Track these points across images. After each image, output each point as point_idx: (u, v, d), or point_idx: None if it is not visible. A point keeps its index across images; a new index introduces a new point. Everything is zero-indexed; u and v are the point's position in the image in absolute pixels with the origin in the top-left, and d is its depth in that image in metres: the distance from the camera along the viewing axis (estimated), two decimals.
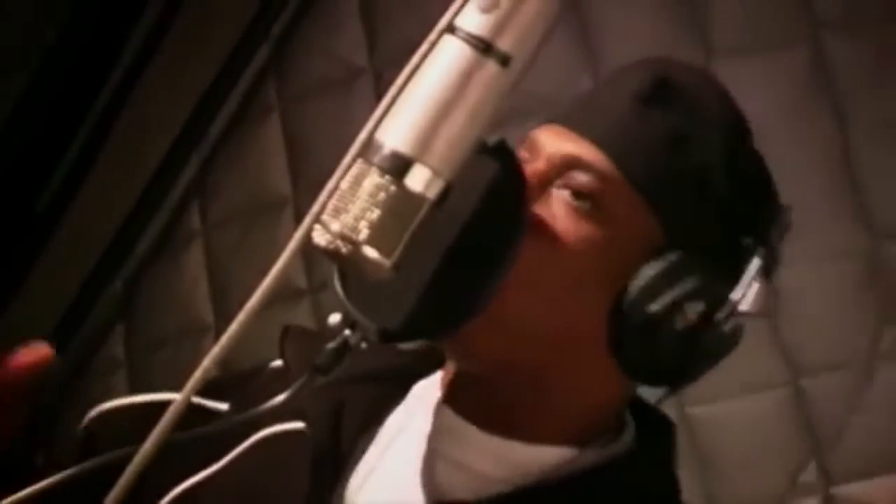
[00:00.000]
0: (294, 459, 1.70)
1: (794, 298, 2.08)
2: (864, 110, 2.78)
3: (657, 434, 1.71)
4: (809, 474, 2.74)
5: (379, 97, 3.04)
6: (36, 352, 1.54)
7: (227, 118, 3.03)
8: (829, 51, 2.80)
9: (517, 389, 1.63)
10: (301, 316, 2.89)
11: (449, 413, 1.66)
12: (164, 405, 1.47)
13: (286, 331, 1.76)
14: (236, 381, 1.81)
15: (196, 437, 1.62)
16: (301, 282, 2.91)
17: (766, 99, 2.63)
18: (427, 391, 1.72)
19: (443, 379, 1.70)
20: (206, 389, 1.68)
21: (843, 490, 2.71)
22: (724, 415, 2.71)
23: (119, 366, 3.02)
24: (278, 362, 1.75)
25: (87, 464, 1.61)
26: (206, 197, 3.04)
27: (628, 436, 1.68)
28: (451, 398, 1.67)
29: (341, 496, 1.67)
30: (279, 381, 1.64)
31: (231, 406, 1.78)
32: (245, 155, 3.02)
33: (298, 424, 1.71)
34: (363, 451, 1.70)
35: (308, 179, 3.00)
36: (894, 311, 2.72)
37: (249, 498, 1.72)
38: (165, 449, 1.45)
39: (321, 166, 2.94)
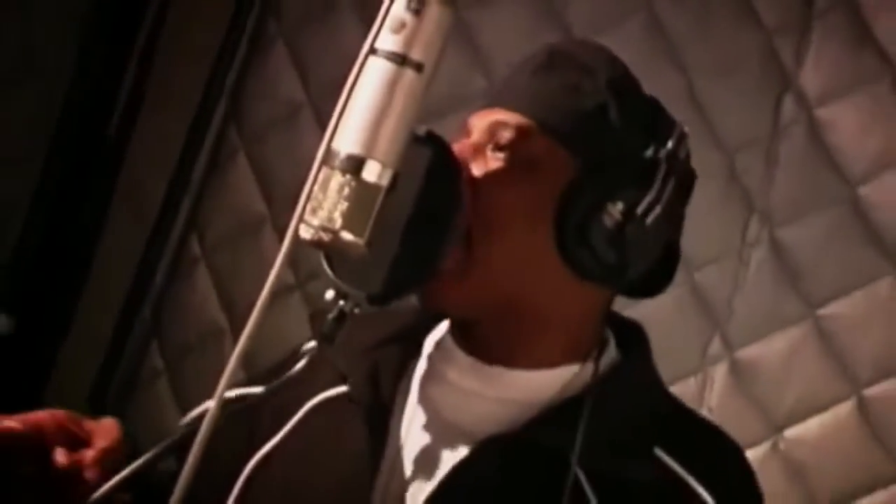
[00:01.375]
0: (345, 420, 1.68)
1: None
2: (697, 56, 2.81)
3: (635, 338, 1.71)
4: (715, 347, 2.76)
5: (319, 124, 3.06)
6: (109, 435, 1.63)
7: (204, 163, 3.01)
8: (661, 13, 2.83)
9: (504, 324, 1.63)
10: (294, 307, 2.89)
11: (466, 358, 1.66)
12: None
13: (314, 315, 1.74)
14: (274, 370, 1.75)
15: (250, 405, 1.66)
16: (289, 278, 2.91)
17: None
18: (440, 341, 1.72)
19: (449, 329, 1.70)
20: (249, 382, 1.71)
21: (744, 352, 2.73)
22: (640, 317, 2.71)
23: (160, 374, 3.01)
24: (312, 344, 1.67)
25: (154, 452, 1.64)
26: (200, 228, 3.03)
27: (612, 347, 1.68)
28: (462, 343, 1.67)
29: (394, 446, 1.66)
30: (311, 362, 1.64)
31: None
32: (224, 189, 3.02)
33: (342, 388, 1.70)
34: (403, 402, 1.68)
35: (278, 197, 3.00)
36: (752, 208, 2.75)
37: (313, 460, 1.70)
38: (227, 427, 1.54)
39: (286, 185, 2.95)
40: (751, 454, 2.61)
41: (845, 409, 2.65)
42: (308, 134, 2.96)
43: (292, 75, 2.99)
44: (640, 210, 1.57)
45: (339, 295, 1.56)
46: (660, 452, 1.61)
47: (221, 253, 2.99)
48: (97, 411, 2.91)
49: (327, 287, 1.57)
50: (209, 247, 3.00)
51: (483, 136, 1.61)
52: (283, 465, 1.71)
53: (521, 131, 1.60)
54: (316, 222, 1.43)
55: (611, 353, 1.67)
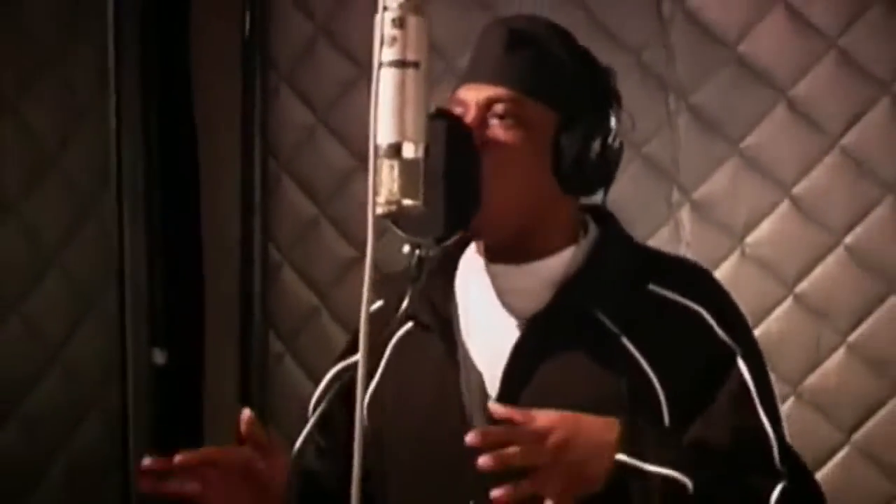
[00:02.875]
0: (421, 345, 1.73)
1: None
2: None
3: (605, 215, 1.77)
4: (675, 197, 2.77)
5: (332, 135, 3.02)
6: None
7: (260, 192, 2.99)
8: None
9: (526, 234, 1.68)
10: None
11: (499, 266, 1.71)
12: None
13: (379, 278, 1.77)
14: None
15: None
16: (353, 252, 2.91)
17: None
18: (470, 261, 1.76)
19: (477, 250, 1.74)
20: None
21: (698, 193, 2.75)
22: (613, 193, 2.68)
23: (283, 354, 3.00)
24: (378, 304, 1.76)
25: None
26: (275, 240, 3.01)
27: (592, 226, 1.75)
28: (492, 258, 1.72)
29: (462, 349, 1.69)
30: (383, 315, 1.71)
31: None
32: (281, 206, 3.00)
33: (409, 325, 1.75)
34: (456, 314, 1.73)
35: (322, 199, 2.98)
36: (667, 88, 2.76)
37: (410, 383, 1.74)
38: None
39: (325, 187, 2.95)
40: (726, 265, 2.70)
41: (784, 207, 2.69)
42: (327, 145, 2.96)
43: (300, 107, 2.99)
44: (609, 139, 1.65)
45: (413, 246, 1.63)
46: (654, 287, 1.67)
47: (295, 252, 2.99)
48: (246, 399, 2.96)
49: (402, 245, 1.64)
50: (285, 250, 3.00)
51: (481, 110, 1.64)
52: (388, 393, 1.75)
53: (512, 102, 1.64)
54: (382, 200, 1.47)
55: (593, 230, 1.74)
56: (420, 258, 1.62)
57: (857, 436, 2.62)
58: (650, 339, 1.63)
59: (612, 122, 1.67)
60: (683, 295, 1.66)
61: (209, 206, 2.98)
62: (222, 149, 2.98)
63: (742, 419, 1.62)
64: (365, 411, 1.68)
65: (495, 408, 1.55)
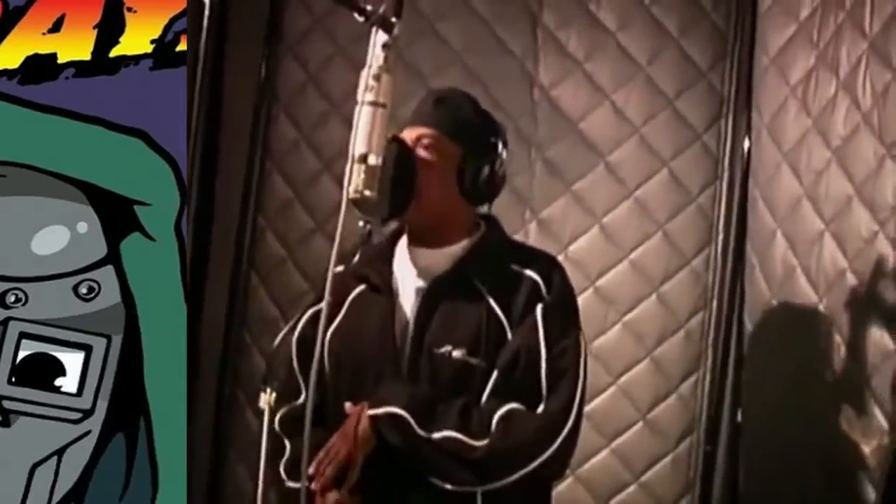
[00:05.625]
0: (369, 301, 1.74)
1: None
2: (485, 72, 2.75)
3: (491, 219, 1.80)
4: (528, 215, 2.75)
5: (309, 147, 2.88)
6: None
7: (256, 185, 2.89)
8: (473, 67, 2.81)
9: (438, 226, 1.72)
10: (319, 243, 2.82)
11: (419, 249, 1.74)
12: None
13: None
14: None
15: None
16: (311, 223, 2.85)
17: None
18: (402, 248, 1.78)
19: (406, 239, 1.77)
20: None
21: (544, 213, 2.73)
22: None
23: (258, 287, 2.86)
24: (340, 268, 1.71)
25: None
26: (263, 212, 2.88)
27: (482, 226, 1.78)
28: (415, 242, 1.75)
29: (398, 303, 1.72)
30: (343, 275, 1.71)
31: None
32: (268, 192, 2.89)
33: (362, 286, 1.76)
34: (394, 281, 1.75)
35: (298, 188, 2.87)
36: (530, 144, 2.74)
37: (359, 328, 1.73)
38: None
39: (298, 181, 2.84)
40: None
41: (595, 230, 2.71)
42: (305, 154, 2.86)
43: (291, 128, 2.87)
44: (497, 167, 1.70)
45: (366, 223, 1.66)
46: (514, 266, 1.73)
47: (277, 221, 2.83)
48: (230, 318, 2.78)
49: (359, 220, 1.66)
50: (269, 220, 2.85)
51: (414, 141, 1.68)
52: (342, 336, 1.74)
53: (432, 137, 1.68)
54: (352, 189, 1.49)
55: (482, 229, 1.78)
56: (370, 230, 1.66)
57: (621, 380, 2.68)
58: (505, 298, 1.68)
59: (501, 156, 1.71)
60: (530, 269, 1.71)
61: (222, 193, 2.88)
62: (234, 155, 2.88)
63: (524, 343, 1.65)
64: (328, 340, 1.72)
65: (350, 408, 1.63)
